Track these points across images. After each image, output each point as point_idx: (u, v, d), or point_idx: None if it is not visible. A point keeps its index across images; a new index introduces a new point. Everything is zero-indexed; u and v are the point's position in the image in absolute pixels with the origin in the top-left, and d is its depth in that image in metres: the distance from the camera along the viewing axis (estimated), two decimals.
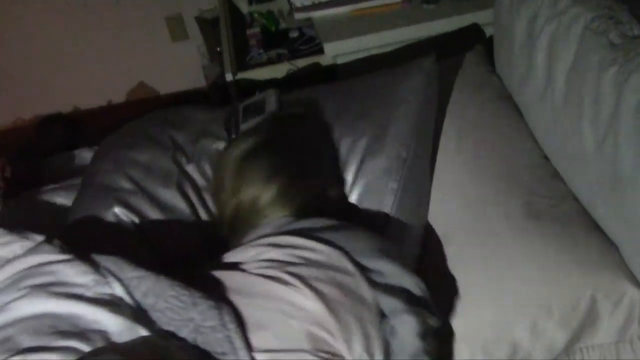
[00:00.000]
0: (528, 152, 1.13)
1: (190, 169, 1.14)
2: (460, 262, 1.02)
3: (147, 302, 0.83)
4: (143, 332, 0.80)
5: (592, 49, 1.01)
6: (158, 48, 2.27)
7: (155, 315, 0.82)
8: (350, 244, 0.89)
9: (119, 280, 0.85)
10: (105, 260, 0.88)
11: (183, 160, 1.14)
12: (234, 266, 0.90)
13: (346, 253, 0.88)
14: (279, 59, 1.65)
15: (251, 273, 0.88)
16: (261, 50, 1.69)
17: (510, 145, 1.12)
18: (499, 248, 1.00)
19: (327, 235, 0.91)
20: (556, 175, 1.12)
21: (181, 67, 2.27)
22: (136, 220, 1.08)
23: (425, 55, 1.20)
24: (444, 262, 1.04)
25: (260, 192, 0.99)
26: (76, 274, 0.86)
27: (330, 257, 0.88)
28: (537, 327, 0.96)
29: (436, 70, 1.18)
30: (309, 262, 0.87)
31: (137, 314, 0.83)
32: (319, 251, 0.88)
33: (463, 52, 1.35)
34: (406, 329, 0.84)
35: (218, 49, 1.82)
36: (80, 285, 0.85)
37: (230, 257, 0.93)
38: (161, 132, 1.18)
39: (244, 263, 0.90)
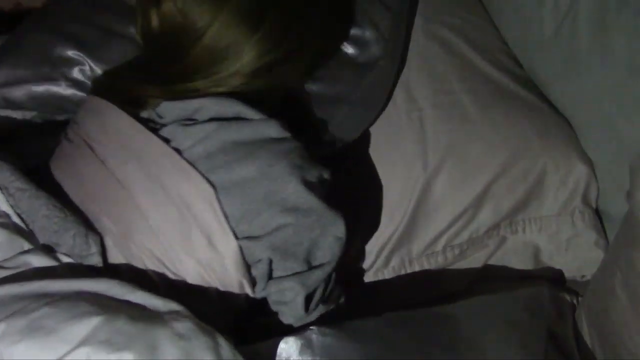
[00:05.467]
0: (492, 39, 1.18)
1: None
2: (425, 131, 1.06)
3: (28, 218, 0.83)
4: (26, 245, 0.80)
5: None
6: None
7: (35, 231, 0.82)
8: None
9: (5, 188, 0.83)
10: None
11: None
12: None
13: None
14: None
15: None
16: None
17: (477, 31, 1.17)
18: (464, 120, 1.06)
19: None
20: (517, 61, 1.18)
21: None
22: (93, 64, 1.02)
23: None
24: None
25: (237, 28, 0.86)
26: None
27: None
28: (490, 189, 1.03)
29: None
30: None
31: (19, 226, 0.82)
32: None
33: None
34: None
35: None
36: None
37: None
38: None
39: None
